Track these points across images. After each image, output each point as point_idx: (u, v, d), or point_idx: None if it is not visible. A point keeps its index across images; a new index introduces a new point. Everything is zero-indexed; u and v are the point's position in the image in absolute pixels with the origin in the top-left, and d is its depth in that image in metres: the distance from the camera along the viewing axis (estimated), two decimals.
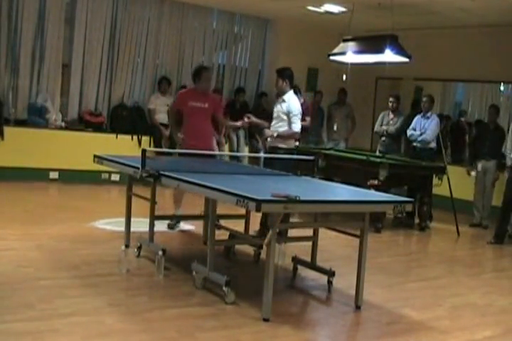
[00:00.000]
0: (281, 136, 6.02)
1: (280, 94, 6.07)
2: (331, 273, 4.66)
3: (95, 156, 5.42)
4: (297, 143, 9.54)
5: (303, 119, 9.82)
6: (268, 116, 10.09)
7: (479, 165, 8.00)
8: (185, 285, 4.39)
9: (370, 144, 10.38)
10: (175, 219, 6.35)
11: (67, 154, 8.69)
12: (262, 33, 10.81)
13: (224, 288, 4.11)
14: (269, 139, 6.17)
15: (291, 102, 6.01)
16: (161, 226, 6.17)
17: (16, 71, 8.72)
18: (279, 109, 6.04)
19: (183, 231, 6.37)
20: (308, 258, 4.93)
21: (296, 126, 5.99)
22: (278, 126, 6.03)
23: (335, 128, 10.47)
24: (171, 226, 6.33)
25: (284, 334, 3.70)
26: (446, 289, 5.09)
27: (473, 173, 8.08)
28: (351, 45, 7.44)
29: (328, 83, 10.71)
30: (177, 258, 5.07)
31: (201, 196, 4.87)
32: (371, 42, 7.36)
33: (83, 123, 9.17)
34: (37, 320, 3.52)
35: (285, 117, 5.98)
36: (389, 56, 7.10)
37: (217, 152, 6.59)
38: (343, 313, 4.26)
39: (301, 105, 9.95)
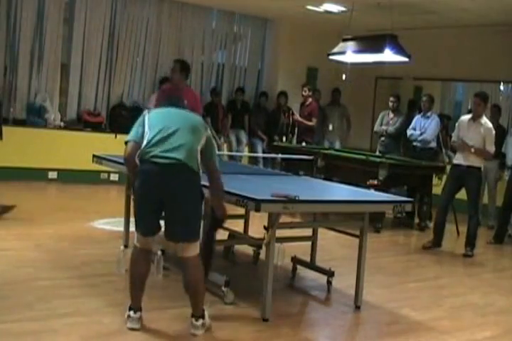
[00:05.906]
0: (477, 153, 6.31)
1: (476, 117, 6.33)
2: (330, 273, 4.65)
3: (94, 156, 5.40)
4: (304, 144, 9.53)
5: (310, 120, 9.86)
6: (269, 116, 10.15)
7: (482, 166, 7.93)
8: None
9: (370, 144, 10.36)
10: None
11: (66, 154, 8.67)
12: (261, 33, 10.79)
13: (223, 288, 4.10)
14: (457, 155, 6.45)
15: (488, 127, 6.31)
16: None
17: (14, 71, 8.70)
18: (474, 130, 6.30)
19: None
20: (307, 258, 4.92)
21: (492, 149, 6.35)
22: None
23: (330, 128, 10.45)
24: None
25: (284, 334, 3.69)
26: (446, 289, 5.09)
27: None
28: (351, 45, 7.43)
29: (328, 83, 10.69)
30: (176, 258, 5.02)
31: None
32: (371, 42, 7.35)
33: (82, 123, 9.15)
34: (36, 320, 3.51)
35: (481, 140, 6.29)
36: (388, 56, 7.09)
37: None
38: (342, 313, 4.25)
39: (307, 106, 9.93)
